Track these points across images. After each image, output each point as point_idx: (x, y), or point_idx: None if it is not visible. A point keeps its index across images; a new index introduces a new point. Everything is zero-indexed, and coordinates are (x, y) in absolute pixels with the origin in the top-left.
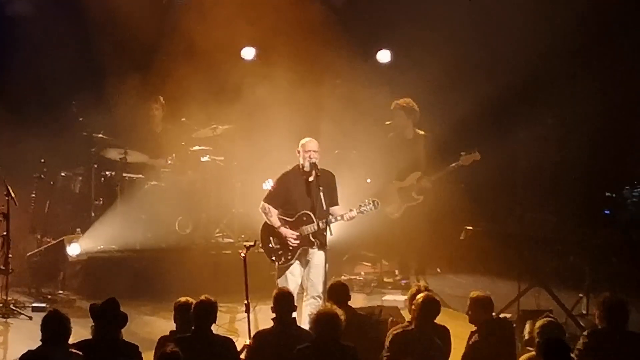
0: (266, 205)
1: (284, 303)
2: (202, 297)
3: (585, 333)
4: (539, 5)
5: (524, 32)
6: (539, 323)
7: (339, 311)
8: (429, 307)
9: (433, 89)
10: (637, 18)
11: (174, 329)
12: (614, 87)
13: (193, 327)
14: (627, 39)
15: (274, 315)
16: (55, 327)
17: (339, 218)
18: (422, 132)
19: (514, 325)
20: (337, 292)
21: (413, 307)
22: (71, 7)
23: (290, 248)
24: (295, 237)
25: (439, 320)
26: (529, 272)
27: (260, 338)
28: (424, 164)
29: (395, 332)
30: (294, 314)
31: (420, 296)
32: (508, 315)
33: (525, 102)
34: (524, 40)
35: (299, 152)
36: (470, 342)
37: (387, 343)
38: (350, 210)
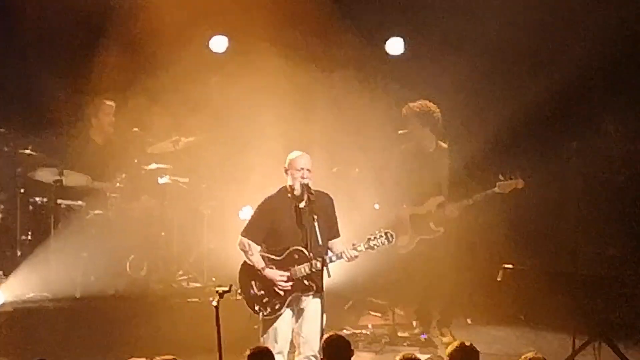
0: (245, 241)
1: None
2: (162, 358)
3: None
4: None
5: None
6: None
7: None
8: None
9: (458, 88)
10: None
11: None
12: None
13: None
14: None
15: None
16: None
17: (339, 256)
18: (445, 145)
19: None
20: (334, 349)
21: None
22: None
23: (280, 295)
24: (286, 279)
25: None
26: (587, 322)
27: None
28: (448, 186)
29: None
30: None
31: (452, 346)
32: None
33: (580, 105)
34: (579, 24)
35: (286, 170)
36: None
37: None
38: (354, 245)
